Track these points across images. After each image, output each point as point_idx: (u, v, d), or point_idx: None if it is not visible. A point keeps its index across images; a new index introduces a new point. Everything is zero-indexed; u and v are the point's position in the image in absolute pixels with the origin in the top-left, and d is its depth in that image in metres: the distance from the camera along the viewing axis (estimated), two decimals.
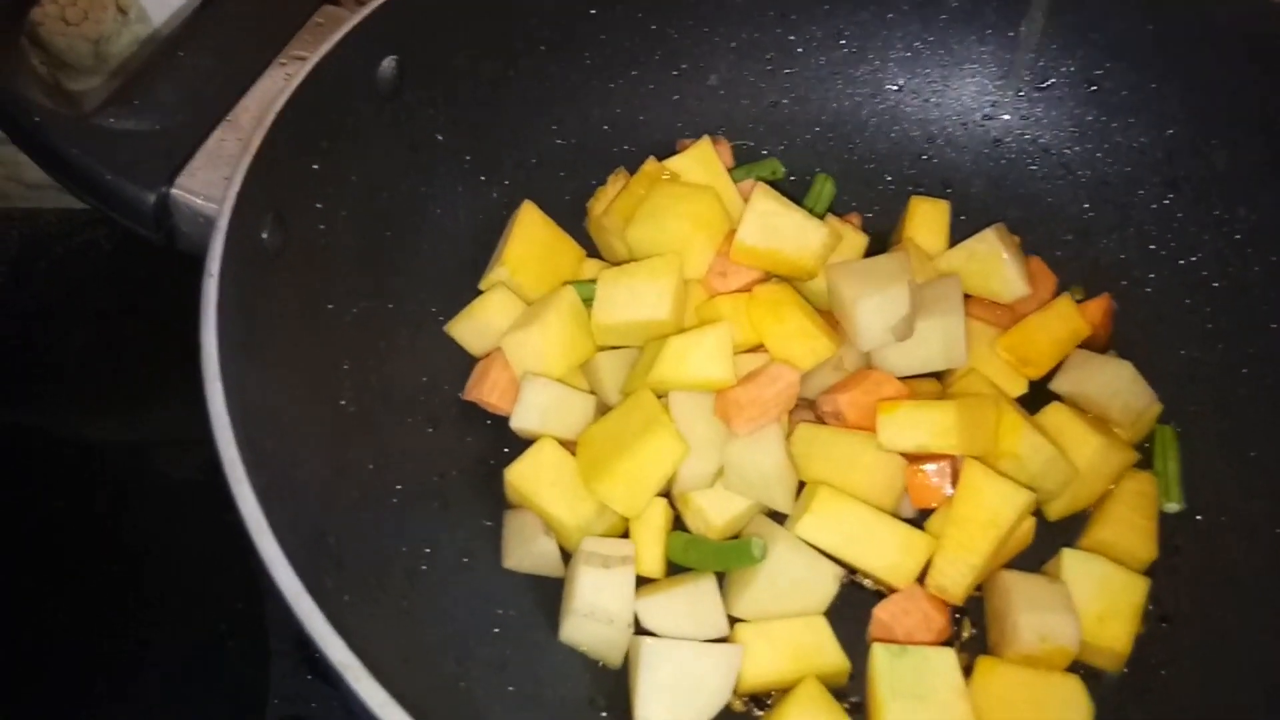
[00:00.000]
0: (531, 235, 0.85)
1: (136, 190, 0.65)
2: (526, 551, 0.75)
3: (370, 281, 0.79)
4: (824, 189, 0.93)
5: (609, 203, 0.88)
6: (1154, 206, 0.90)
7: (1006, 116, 0.95)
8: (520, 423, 0.78)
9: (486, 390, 0.80)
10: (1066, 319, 0.83)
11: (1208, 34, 0.84)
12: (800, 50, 0.97)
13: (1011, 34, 0.93)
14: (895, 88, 0.97)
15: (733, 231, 0.81)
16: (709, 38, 0.95)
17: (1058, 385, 0.82)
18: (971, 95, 0.96)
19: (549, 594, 0.75)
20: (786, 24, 0.95)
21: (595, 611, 0.71)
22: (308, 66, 0.69)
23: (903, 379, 0.79)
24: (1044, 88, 0.94)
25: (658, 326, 0.78)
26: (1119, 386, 0.80)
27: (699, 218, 0.81)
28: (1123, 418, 0.80)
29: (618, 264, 0.84)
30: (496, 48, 0.85)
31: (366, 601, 0.65)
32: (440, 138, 0.84)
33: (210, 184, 0.67)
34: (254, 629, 0.83)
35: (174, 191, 0.66)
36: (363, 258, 0.78)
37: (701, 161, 0.87)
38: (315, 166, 0.72)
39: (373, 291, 0.79)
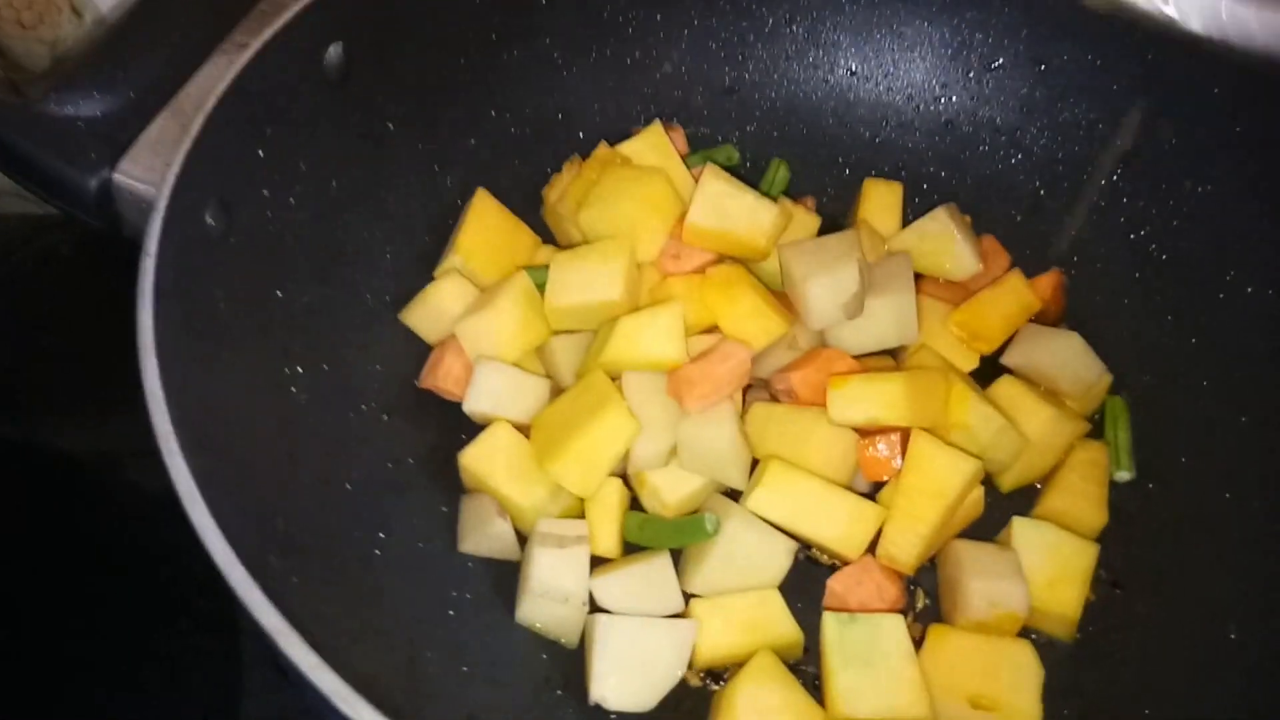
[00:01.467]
0: (485, 222, 0.85)
1: (78, 176, 0.65)
2: (482, 535, 0.75)
3: (321, 269, 0.79)
4: (778, 173, 0.94)
5: (563, 189, 0.88)
6: (1103, 183, 0.91)
7: (956, 97, 0.96)
8: (474, 406, 0.78)
9: (441, 377, 0.81)
10: (1017, 294, 0.84)
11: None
12: (752, 37, 0.97)
13: (958, 16, 0.94)
14: (848, 72, 0.98)
15: (685, 214, 0.82)
16: (662, 25, 0.95)
17: (1009, 359, 0.83)
18: (922, 77, 0.97)
19: (505, 577, 0.75)
20: (738, 10, 0.96)
21: (551, 591, 0.71)
22: (250, 52, 0.69)
23: (856, 357, 0.80)
24: (993, 68, 0.94)
25: (611, 308, 0.79)
26: (1068, 358, 0.81)
27: (650, 200, 0.82)
28: (1073, 389, 0.80)
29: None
30: (447, 35, 0.85)
31: (317, 584, 0.65)
32: (391, 126, 0.84)
33: (153, 169, 0.67)
34: (227, 636, 0.82)
35: (116, 177, 0.66)
36: (313, 245, 0.78)
37: (653, 145, 0.87)
38: (260, 153, 0.72)
39: (324, 279, 0.79)
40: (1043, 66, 0.93)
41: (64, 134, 0.66)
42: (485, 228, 0.85)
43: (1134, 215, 0.89)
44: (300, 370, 0.75)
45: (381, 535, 0.73)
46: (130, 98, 0.68)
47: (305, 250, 0.77)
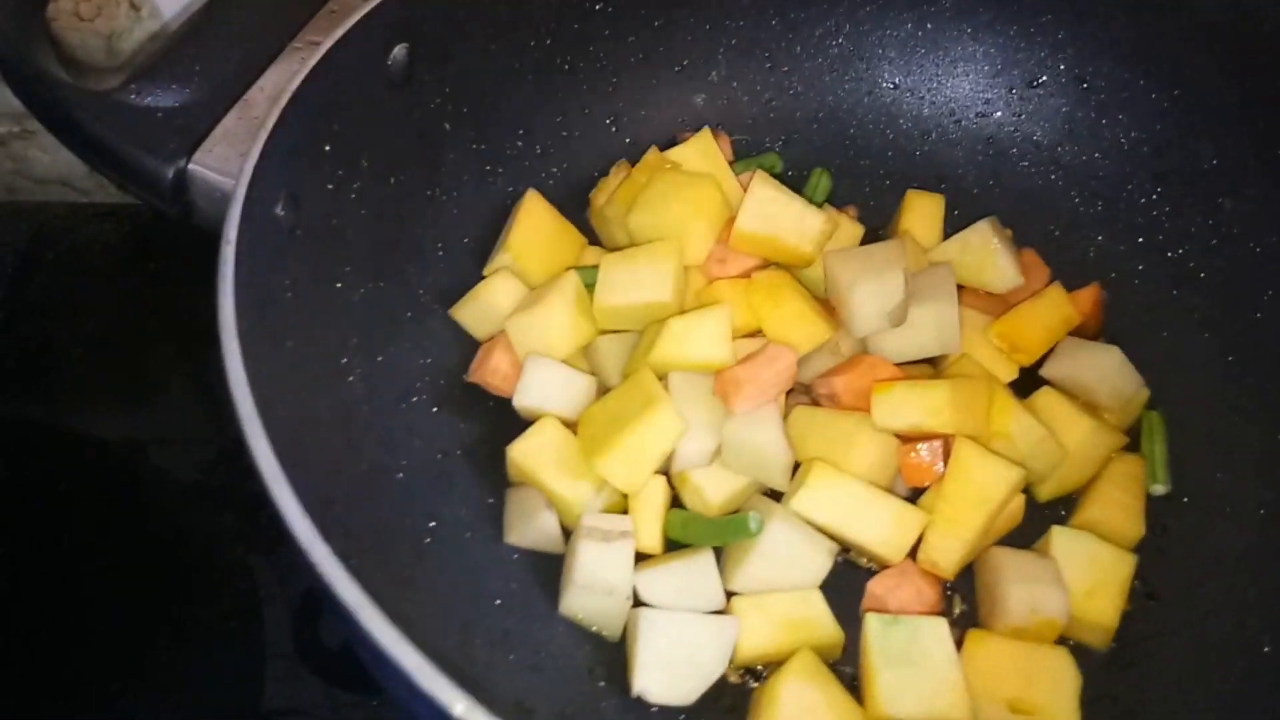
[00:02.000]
0: (535, 223, 0.87)
1: (156, 164, 0.67)
2: (528, 527, 0.77)
3: (377, 264, 0.80)
4: (820, 182, 0.96)
5: (611, 193, 0.90)
6: (1142, 200, 0.92)
7: (999, 114, 0.98)
8: (523, 401, 0.80)
9: (489, 372, 0.82)
10: (1057, 307, 0.85)
11: (1193, 31, 0.87)
12: (799, 48, 0.99)
13: (1002, 35, 0.95)
14: (891, 85, 1.00)
15: (732, 219, 0.83)
16: (710, 35, 0.97)
17: (1048, 371, 0.84)
18: (965, 93, 0.99)
19: (549, 569, 0.77)
20: (785, 23, 0.98)
21: (595, 584, 0.72)
22: (320, 51, 0.71)
23: (898, 364, 0.81)
24: (1035, 85, 0.96)
25: (659, 309, 0.80)
26: (1107, 372, 0.82)
27: (699, 204, 0.83)
28: (1111, 402, 0.82)
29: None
30: (505, 39, 0.87)
31: (372, 569, 0.65)
32: (448, 126, 0.86)
33: (226, 160, 0.69)
34: (250, 628, 0.84)
35: (192, 167, 0.68)
36: (371, 240, 0.80)
37: (702, 151, 0.89)
38: (327, 148, 0.74)
39: (380, 273, 0.81)
40: (1085, 85, 0.94)
41: (143, 123, 0.68)
42: (535, 228, 0.87)
43: (1173, 232, 0.91)
44: (357, 361, 0.76)
45: (431, 525, 0.75)
46: (206, 91, 0.70)
47: (364, 244, 0.79)
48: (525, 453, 0.77)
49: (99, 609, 0.85)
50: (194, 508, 0.92)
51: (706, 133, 0.90)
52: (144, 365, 1.04)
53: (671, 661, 0.70)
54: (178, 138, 0.68)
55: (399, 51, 0.79)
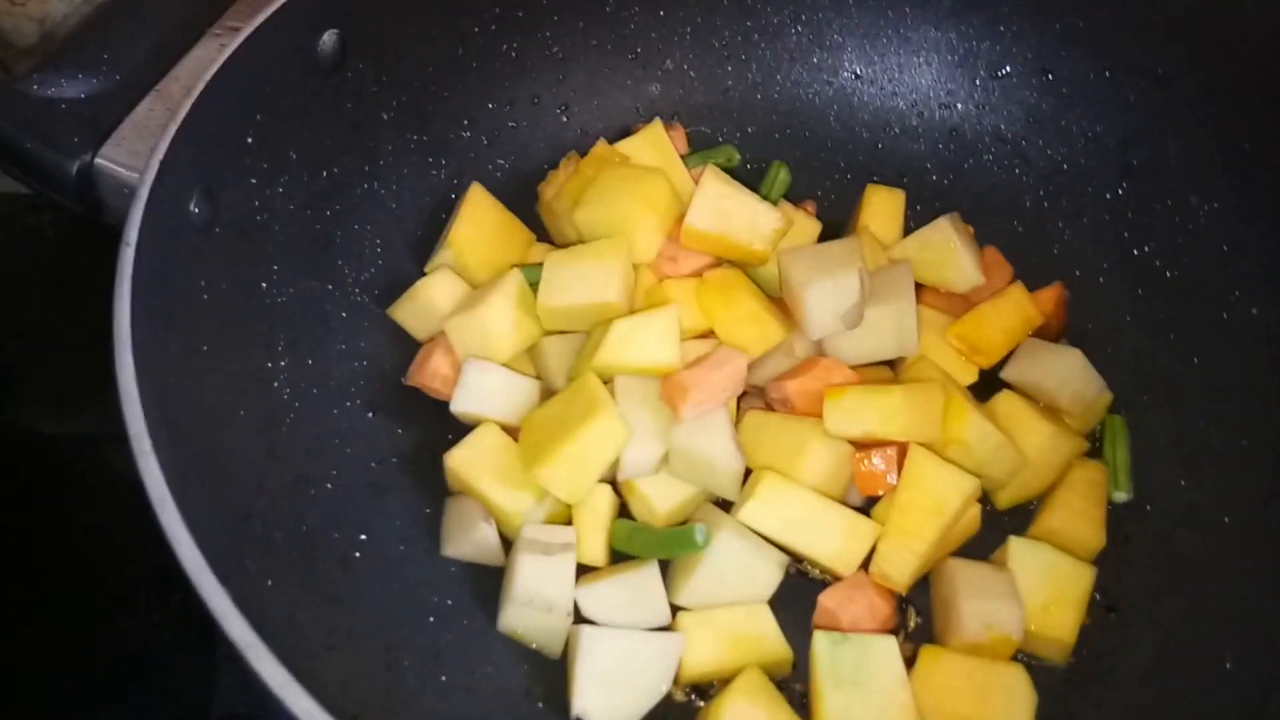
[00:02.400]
0: (479, 217, 0.83)
1: (59, 159, 0.63)
2: (466, 539, 0.73)
3: (308, 261, 0.77)
4: (778, 176, 0.92)
5: (560, 186, 0.86)
6: (1108, 196, 0.89)
7: (962, 105, 0.94)
8: (461, 406, 0.76)
9: (428, 375, 0.79)
10: (1018, 307, 0.82)
11: (1162, 23, 0.84)
12: (756, 36, 0.96)
13: (966, 22, 0.92)
14: (852, 75, 0.97)
15: (683, 215, 0.80)
16: (665, 21, 0.94)
17: (1008, 374, 0.81)
18: (928, 83, 0.95)
19: (488, 583, 0.73)
20: (743, 9, 0.94)
21: (535, 599, 0.69)
22: (242, 36, 0.67)
23: (854, 367, 0.78)
24: (999, 76, 0.93)
25: (605, 310, 0.77)
26: (1069, 375, 0.79)
27: (648, 200, 0.80)
28: (1073, 406, 0.79)
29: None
30: (446, 24, 0.83)
31: (293, 587, 0.63)
32: (385, 116, 0.82)
33: (137, 154, 0.65)
34: (200, 625, 0.80)
35: (98, 161, 0.64)
36: (301, 236, 0.76)
37: (653, 144, 0.85)
38: (249, 140, 0.70)
39: (311, 272, 0.77)
40: (1050, 76, 0.91)
41: (46, 115, 0.64)
42: (479, 223, 0.83)
43: (1139, 229, 0.88)
44: (284, 364, 0.73)
45: (362, 537, 0.72)
46: (116, 80, 0.66)
47: (292, 241, 0.75)
48: (463, 460, 0.74)
49: (43, 611, 0.81)
50: (141, 506, 0.89)
51: (658, 124, 0.87)
52: (88, 360, 0.99)
53: (613, 680, 0.67)
54: (83, 130, 0.64)
55: (329, 37, 0.75)
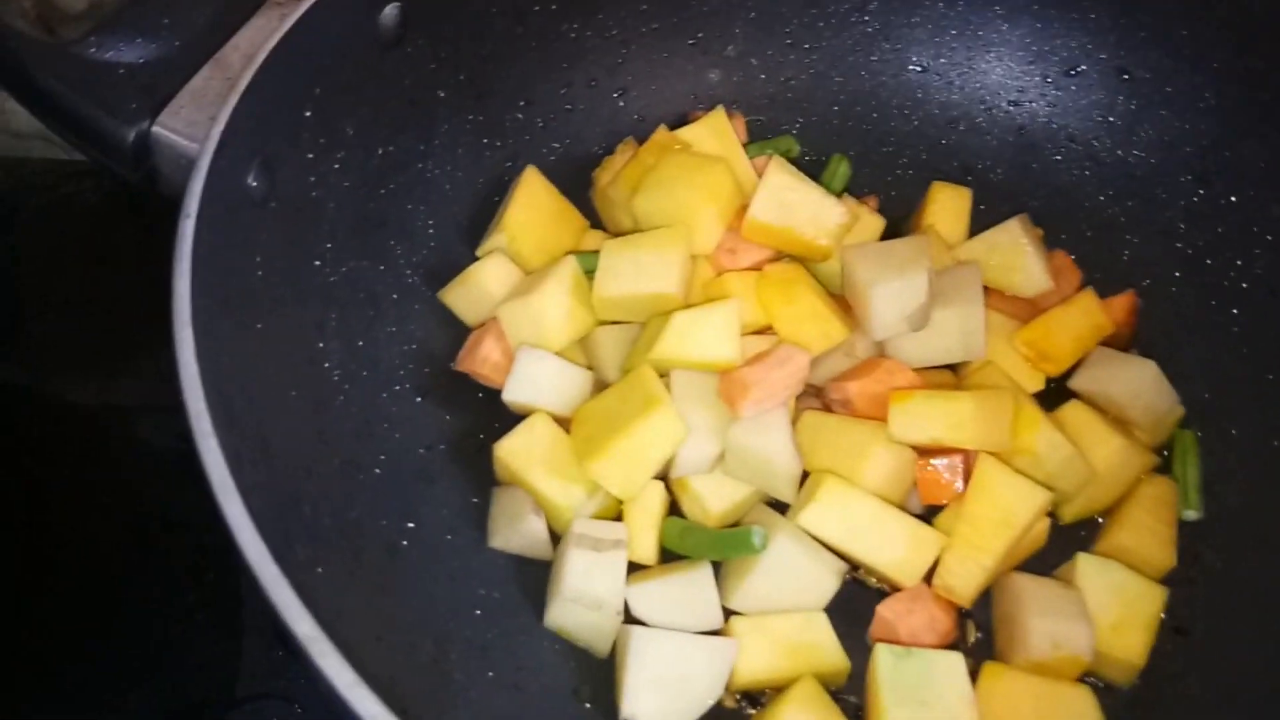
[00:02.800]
0: (534, 202, 0.81)
1: (116, 125, 0.62)
2: (514, 531, 0.71)
3: (361, 240, 0.75)
4: (839, 170, 0.90)
5: (616, 173, 0.84)
6: (1182, 203, 0.86)
7: (1033, 103, 0.91)
8: (513, 395, 0.74)
9: (479, 361, 0.77)
10: (1088, 314, 0.79)
11: (1246, 24, 0.81)
12: (821, 25, 0.93)
13: (1042, 19, 0.89)
14: (918, 69, 0.94)
15: (745, 206, 0.78)
16: (728, 6, 0.91)
17: (1077, 383, 0.78)
18: (997, 79, 0.92)
19: (536, 577, 0.71)
20: None
21: (583, 596, 0.67)
22: (303, 7, 0.65)
23: (916, 370, 0.76)
24: (1073, 74, 0.90)
25: (663, 301, 0.75)
26: (1141, 387, 0.76)
27: (710, 189, 0.77)
28: (1143, 420, 0.76)
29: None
30: (506, 1, 0.81)
31: (341, 575, 0.61)
32: (443, 94, 0.80)
33: (194, 124, 0.63)
34: (227, 603, 0.80)
35: (156, 129, 0.62)
36: (355, 214, 0.74)
37: (715, 131, 0.83)
38: (307, 114, 0.68)
39: (363, 251, 0.75)
40: (1127, 76, 0.88)
41: (103, 80, 0.62)
42: (533, 207, 0.81)
43: (1213, 240, 0.85)
44: (334, 346, 0.71)
45: (410, 525, 0.70)
46: (175, 46, 0.64)
47: (346, 219, 0.73)
48: (514, 451, 0.72)
49: (72, 583, 0.80)
50: (174, 478, 0.88)
51: (720, 112, 0.84)
52: (125, 329, 0.99)
53: (664, 684, 0.65)
54: (141, 97, 0.62)
55: (390, 10, 0.73)
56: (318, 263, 0.71)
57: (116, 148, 0.62)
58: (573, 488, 0.71)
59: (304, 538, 0.59)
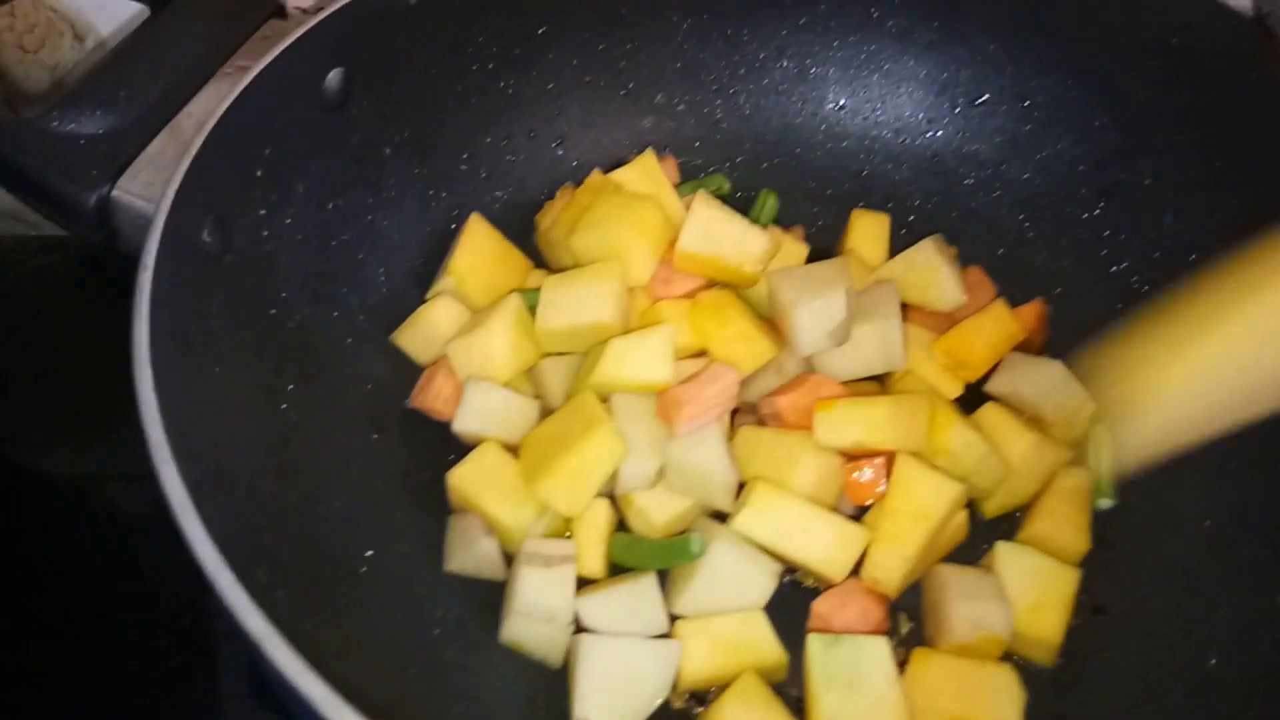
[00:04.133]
0: (479, 246, 0.86)
1: (78, 191, 0.67)
2: (469, 554, 0.75)
3: (315, 289, 0.80)
4: (767, 203, 0.96)
5: (556, 215, 0.90)
6: (1085, 216, 0.92)
7: (943, 132, 0.98)
8: (463, 426, 0.79)
9: (431, 397, 0.81)
10: (1001, 323, 0.85)
11: (1132, 48, 0.87)
12: (743, 71, 1.00)
13: (944, 53, 0.96)
14: (836, 105, 1.00)
15: (676, 240, 0.83)
16: (655, 58, 0.98)
17: (992, 386, 0.84)
18: (909, 112, 0.99)
19: (490, 597, 0.75)
20: (730, 45, 0.98)
21: (536, 610, 0.71)
22: (251, 74, 0.71)
23: (843, 383, 0.81)
24: (978, 104, 0.97)
25: (602, 330, 0.80)
26: (1051, 387, 0.82)
27: (642, 225, 0.83)
28: (1056, 417, 0.81)
29: None
30: (445, 62, 0.87)
31: (303, 599, 0.65)
32: (388, 150, 0.85)
33: (152, 186, 0.68)
34: (204, 669, 0.82)
35: (115, 193, 0.67)
36: (308, 265, 0.79)
37: (645, 172, 0.89)
38: (258, 173, 0.73)
39: (317, 299, 0.80)
40: (1027, 102, 0.95)
41: (65, 151, 0.67)
42: (478, 251, 0.86)
43: (1115, 247, 0.91)
44: (292, 388, 0.75)
45: (369, 553, 0.74)
46: (131, 116, 0.69)
47: (300, 270, 0.78)
48: (465, 478, 0.76)
49: (46, 650, 0.82)
50: (147, 544, 0.90)
51: (649, 154, 0.90)
52: (94, 399, 1.02)
53: (613, 687, 0.69)
54: (101, 164, 0.67)
55: (334, 75, 0.78)
56: (273, 311, 0.76)
57: (79, 212, 0.67)
58: (522, 509, 0.75)
59: (266, 566, 0.63)
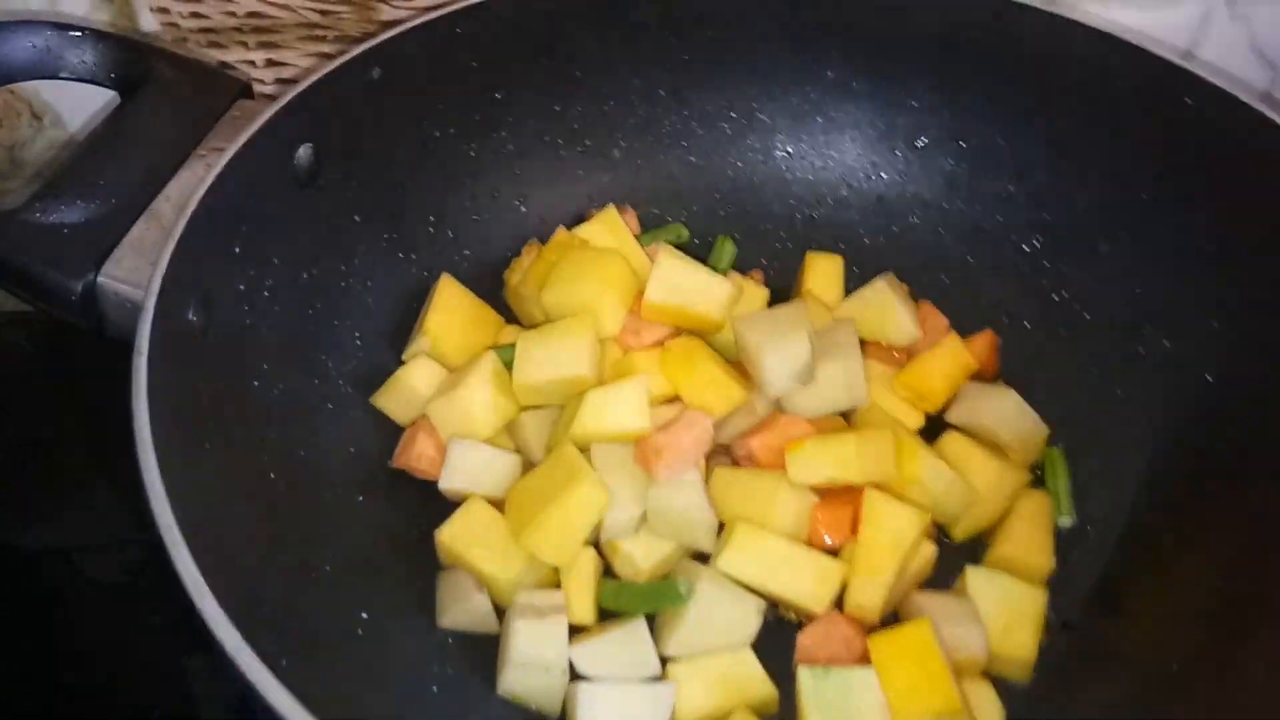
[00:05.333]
0: (451, 305, 0.89)
1: (64, 280, 0.68)
2: (461, 609, 0.77)
3: (294, 358, 0.81)
4: (724, 249, 0.99)
5: (524, 271, 0.92)
6: (1025, 248, 0.98)
7: (886, 175, 1.03)
8: (449, 484, 0.81)
9: (414, 457, 0.83)
10: (955, 355, 0.89)
11: (1055, 92, 0.93)
12: (694, 124, 1.04)
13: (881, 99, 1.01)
14: (785, 154, 1.05)
15: (642, 291, 0.86)
16: (608, 116, 1.01)
17: (952, 416, 0.88)
18: (854, 157, 1.04)
19: (486, 651, 0.77)
20: (679, 100, 1.02)
21: (532, 661, 0.73)
22: (225, 157, 0.73)
23: (811, 420, 0.84)
24: (918, 147, 1.02)
25: (577, 383, 0.82)
26: (1007, 414, 0.86)
27: (609, 279, 0.86)
28: (1014, 442, 0.86)
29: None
30: (409, 130, 0.90)
31: (304, 664, 0.66)
32: (358, 218, 0.88)
33: (135, 271, 0.69)
34: None
35: (101, 280, 0.69)
36: (286, 335, 0.81)
37: (609, 227, 0.92)
38: (236, 250, 0.75)
39: (297, 368, 0.82)
40: (963, 144, 1.00)
41: (49, 241, 0.68)
42: (451, 310, 0.89)
43: (1056, 277, 0.96)
44: (277, 457, 0.77)
45: (363, 615, 0.75)
46: (111, 204, 0.71)
47: (279, 340, 0.80)
48: (454, 535, 0.78)
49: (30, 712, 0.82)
50: (122, 612, 0.90)
51: (611, 209, 0.94)
52: (62, 471, 1.01)
53: None
54: (85, 252, 0.68)
55: (304, 151, 0.81)
56: (256, 383, 0.77)
57: (65, 300, 0.68)
58: (511, 563, 0.77)
59: (268, 634, 0.64)
